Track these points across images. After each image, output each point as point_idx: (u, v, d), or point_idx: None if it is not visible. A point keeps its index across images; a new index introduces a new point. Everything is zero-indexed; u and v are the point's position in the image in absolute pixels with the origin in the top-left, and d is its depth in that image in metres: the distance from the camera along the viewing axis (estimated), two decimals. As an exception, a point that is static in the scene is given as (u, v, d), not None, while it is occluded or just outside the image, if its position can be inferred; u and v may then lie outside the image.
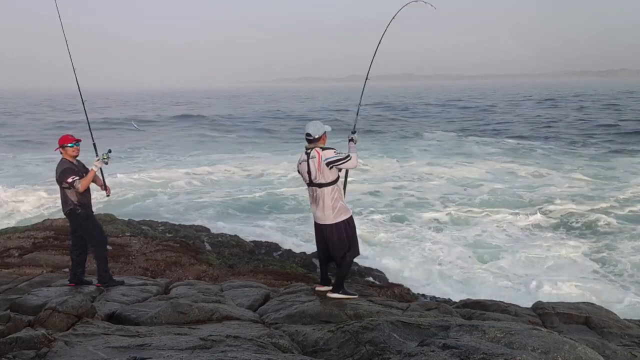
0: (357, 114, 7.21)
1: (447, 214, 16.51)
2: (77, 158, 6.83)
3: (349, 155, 5.91)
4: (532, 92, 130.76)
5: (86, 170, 6.77)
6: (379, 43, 7.43)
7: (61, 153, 6.73)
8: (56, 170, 6.65)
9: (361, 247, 6.86)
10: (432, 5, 8.04)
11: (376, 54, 7.26)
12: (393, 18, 7.45)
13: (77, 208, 6.68)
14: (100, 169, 6.82)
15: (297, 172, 6.30)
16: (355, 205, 17.25)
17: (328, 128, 6.11)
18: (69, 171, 6.59)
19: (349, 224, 6.08)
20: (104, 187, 7.07)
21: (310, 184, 6.02)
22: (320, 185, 5.93)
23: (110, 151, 6.84)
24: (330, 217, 5.98)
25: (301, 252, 11.89)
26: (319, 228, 6.15)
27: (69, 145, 6.70)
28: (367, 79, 7.32)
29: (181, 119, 61.30)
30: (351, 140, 6.21)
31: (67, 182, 6.55)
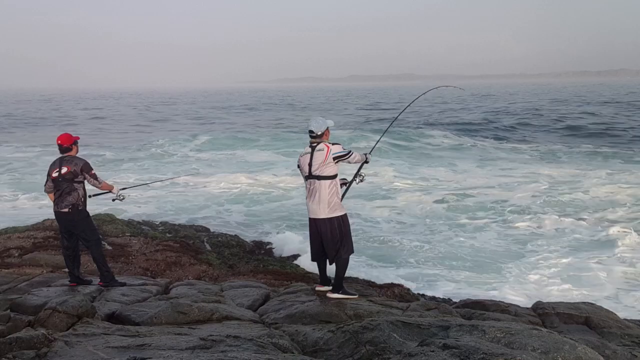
0: (379, 139, 7.66)
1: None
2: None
3: (351, 151, 6.12)
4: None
5: None
6: (402, 111, 8.16)
7: (70, 149, 6.82)
8: (75, 163, 6.73)
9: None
10: (461, 88, 8.80)
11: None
12: (423, 94, 8.07)
13: (80, 204, 6.79)
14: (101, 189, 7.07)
15: (297, 167, 6.38)
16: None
17: (330, 123, 6.20)
18: (90, 165, 6.86)
19: (343, 221, 6.16)
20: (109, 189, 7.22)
21: (309, 176, 6.09)
22: (319, 178, 6.01)
23: (123, 198, 7.21)
24: (325, 211, 6.04)
25: (301, 252, 11.85)
26: (313, 223, 6.20)
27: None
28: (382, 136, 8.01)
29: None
30: (365, 155, 6.44)
31: (92, 173, 6.79)
